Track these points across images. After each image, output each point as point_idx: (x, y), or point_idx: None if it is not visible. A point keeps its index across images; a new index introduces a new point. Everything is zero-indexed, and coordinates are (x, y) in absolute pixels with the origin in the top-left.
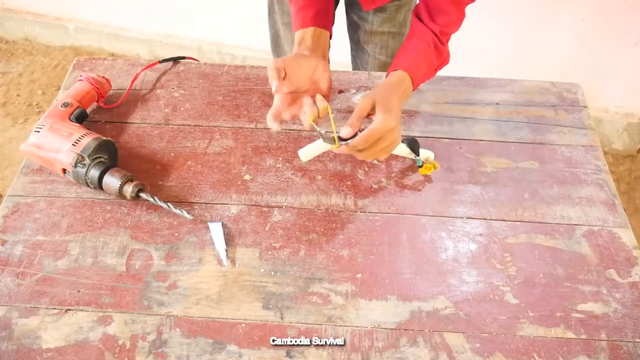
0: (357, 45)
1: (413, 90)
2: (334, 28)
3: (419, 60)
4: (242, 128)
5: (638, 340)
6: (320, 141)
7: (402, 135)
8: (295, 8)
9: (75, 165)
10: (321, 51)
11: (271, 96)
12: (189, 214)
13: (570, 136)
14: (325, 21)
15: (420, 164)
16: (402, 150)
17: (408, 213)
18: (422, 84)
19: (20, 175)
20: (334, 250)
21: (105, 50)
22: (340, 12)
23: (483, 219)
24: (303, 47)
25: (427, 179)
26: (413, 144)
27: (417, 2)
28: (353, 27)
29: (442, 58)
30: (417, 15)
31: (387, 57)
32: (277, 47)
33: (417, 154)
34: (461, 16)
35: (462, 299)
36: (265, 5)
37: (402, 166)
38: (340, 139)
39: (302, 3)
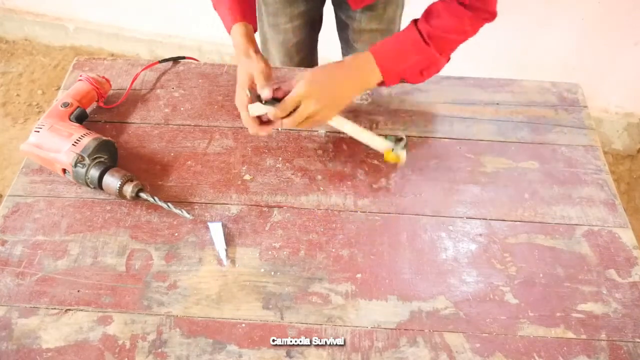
0: (347, 44)
1: (385, 78)
2: (326, 27)
3: (387, 46)
4: (242, 128)
5: (638, 340)
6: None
7: (392, 134)
8: (227, 6)
9: (75, 165)
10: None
11: None
12: (189, 214)
13: (570, 136)
14: (254, 18)
15: (389, 145)
16: (354, 131)
17: (408, 213)
18: (423, 85)
19: (20, 175)
20: (334, 250)
21: (105, 50)
22: (330, 11)
23: (483, 219)
24: (252, 47)
25: (425, 178)
26: (399, 141)
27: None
28: (342, 27)
29: (428, 61)
30: (414, 20)
31: None
32: (264, 50)
33: (392, 143)
34: (460, 26)
35: (462, 299)
36: None
37: (402, 166)
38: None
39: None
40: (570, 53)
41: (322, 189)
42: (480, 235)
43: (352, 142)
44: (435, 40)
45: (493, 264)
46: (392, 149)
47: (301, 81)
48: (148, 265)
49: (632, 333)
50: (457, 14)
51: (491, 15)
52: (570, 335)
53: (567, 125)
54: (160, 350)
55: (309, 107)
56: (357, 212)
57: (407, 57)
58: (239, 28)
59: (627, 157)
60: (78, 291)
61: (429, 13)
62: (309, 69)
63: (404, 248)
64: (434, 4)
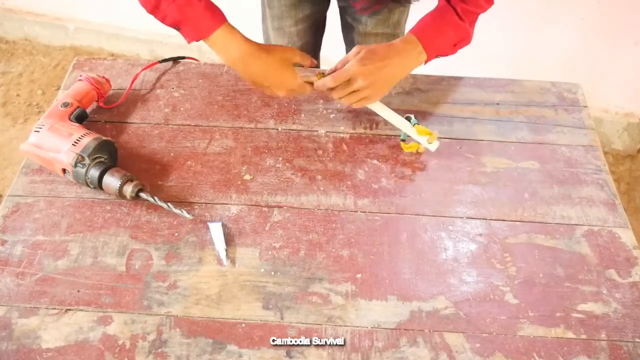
0: (351, 47)
1: (428, 57)
2: (329, 29)
3: (429, 27)
4: (242, 128)
5: (638, 340)
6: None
7: (408, 112)
8: (202, 5)
9: (75, 165)
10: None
11: (271, 97)
12: (189, 214)
13: (570, 136)
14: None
15: (404, 137)
16: (392, 117)
17: (408, 213)
18: (423, 85)
19: (20, 175)
20: (334, 250)
21: (105, 50)
22: (333, 13)
23: (483, 219)
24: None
25: (425, 178)
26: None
27: None
28: (347, 29)
29: (461, 36)
30: None
31: None
32: None
33: (410, 127)
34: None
35: (462, 299)
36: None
37: (402, 165)
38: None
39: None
40: (570, 53)
41: (322, 189)
42: (480, 235)
43: (352, 142)
44: (467, 15)
45: (493, 264)
46: (404, 138)
47: (356, 60)
48: (148, 265)
49: (632, 333)
50: None
51: None
52: (570, 335)
53: (567, 125)
54: (160, 350)
55: (360, 82)
56: (357, 212)
57: (446, 35)
58: (229, 28)
59: (627, 157)
60: (78, 291)
61: None
62: (363, 46)
63: (404, 248)
64: None
